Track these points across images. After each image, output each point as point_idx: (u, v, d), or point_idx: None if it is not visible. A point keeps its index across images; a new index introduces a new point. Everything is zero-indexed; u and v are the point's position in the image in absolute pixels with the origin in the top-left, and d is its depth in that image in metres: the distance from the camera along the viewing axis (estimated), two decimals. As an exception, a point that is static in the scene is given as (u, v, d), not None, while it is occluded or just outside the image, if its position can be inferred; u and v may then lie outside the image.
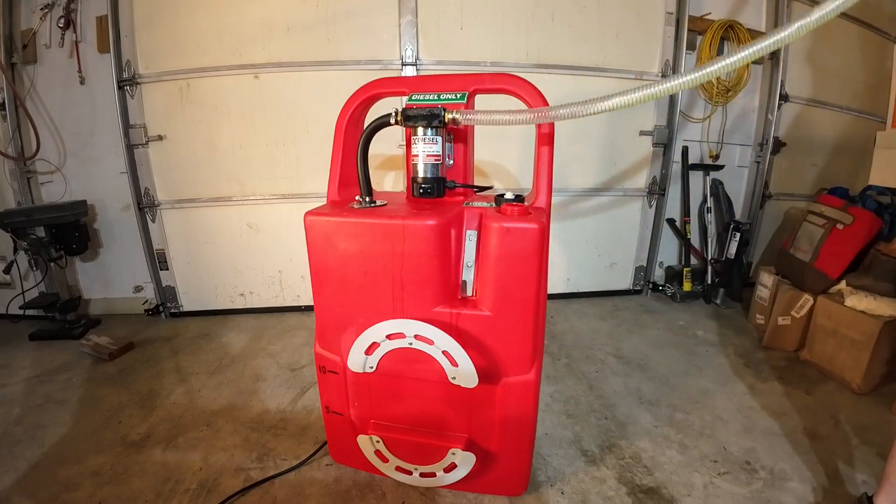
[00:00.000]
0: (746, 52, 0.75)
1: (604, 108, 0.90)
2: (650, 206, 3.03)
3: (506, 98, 1.30)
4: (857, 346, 1.92)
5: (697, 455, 1.54)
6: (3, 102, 2.52)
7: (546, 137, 1.23)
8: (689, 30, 2.67)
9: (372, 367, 1.22)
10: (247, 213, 2.73)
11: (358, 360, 1.20)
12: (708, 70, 0.79)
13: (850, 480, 1.42)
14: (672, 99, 2.81)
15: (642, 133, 2.87)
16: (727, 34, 2.73)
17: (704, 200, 3.04)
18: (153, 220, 2.74)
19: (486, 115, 1.05)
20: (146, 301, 2.86)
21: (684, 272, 3.02)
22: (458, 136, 1.35)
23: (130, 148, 2.58)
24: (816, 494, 1.37)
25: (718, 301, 2.96)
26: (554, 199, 1.34)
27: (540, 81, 1.28)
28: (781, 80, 2.86)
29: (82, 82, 2.55)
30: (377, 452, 1.31)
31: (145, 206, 2.69)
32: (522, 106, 1.26)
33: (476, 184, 1.39)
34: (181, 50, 2.48)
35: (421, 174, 1.25)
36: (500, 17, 2.56)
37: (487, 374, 1.17)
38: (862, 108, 3.15)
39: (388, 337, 1.16)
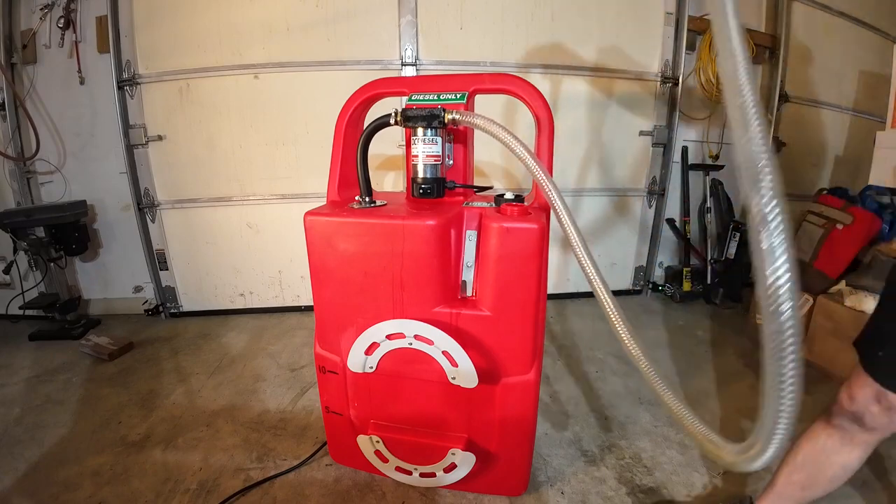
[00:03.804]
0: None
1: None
2: (650, 206, 3.03)
3: (506, 98, 1.30)
4: (857, 346, 1.91)
5: (697, 455, 1.54)
6: (3, 102, 2.52)
7: (547, 136, 1.23)
8: (688, 30, 2.67)
9: (372, 368, 1.22)
10: (247, 214, 2.73)
11: (358, 360, 1.20)
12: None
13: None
14: (672, 99, 2.81)
15: (642, 133, 2.87)
16: (727, 34, 2.73)
17: (704, 200, 3.04)
18: (153, 221, 2.73)
19: (486, 122, 1.02)
20: (146, 301, 2.86)
21: (684, 272, 3.02)
22: (458, 137, 1.34)
23: (130, 148, 2.58)
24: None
25: (718, 301, 2.96)
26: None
27: (539, 81, 1.28)
28: (781, 80, 2.86)
29: (82, 82, 2.55)
30: (377, 452, 1.31)
31: (145, 206, 2.69)
32: (522, 106, 1.26)
33: (476, 184, 1.39)
34: (181, 50, 2.48)
35: (421, 174, 1.25)
36: (500, 17, 2.55)
37: (487, 375, 1.17)
38: (862, 108, 3.15)
39: (388, 337, 1.16)
